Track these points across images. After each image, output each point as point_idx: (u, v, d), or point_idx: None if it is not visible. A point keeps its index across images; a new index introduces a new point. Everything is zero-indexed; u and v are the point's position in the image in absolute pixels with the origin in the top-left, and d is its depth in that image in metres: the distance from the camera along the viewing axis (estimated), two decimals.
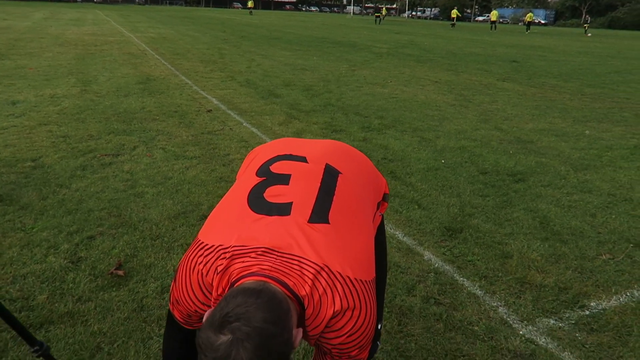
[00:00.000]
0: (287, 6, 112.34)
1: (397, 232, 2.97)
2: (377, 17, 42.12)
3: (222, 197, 1.28)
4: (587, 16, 50.61)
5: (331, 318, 1.02)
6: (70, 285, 2.28)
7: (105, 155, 4.12)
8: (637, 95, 8.27)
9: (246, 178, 1.28)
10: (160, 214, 3.06)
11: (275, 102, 6.55)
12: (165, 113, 5.69)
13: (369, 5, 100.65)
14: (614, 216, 3.31)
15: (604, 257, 2.76)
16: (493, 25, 37.86)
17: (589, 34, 36.40)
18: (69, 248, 2.60)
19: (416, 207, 3.33)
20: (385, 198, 1.47)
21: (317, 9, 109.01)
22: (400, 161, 4.29)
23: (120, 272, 2.37)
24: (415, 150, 4.61)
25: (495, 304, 2.30)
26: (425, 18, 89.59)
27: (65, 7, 49.09)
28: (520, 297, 2.35)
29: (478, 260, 2.67)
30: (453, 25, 41.02)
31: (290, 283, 1.00)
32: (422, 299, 2.30)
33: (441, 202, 3.42)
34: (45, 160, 3.92)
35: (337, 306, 1.02)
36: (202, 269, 1.06)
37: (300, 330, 0.98)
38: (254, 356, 0.83)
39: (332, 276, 1.03)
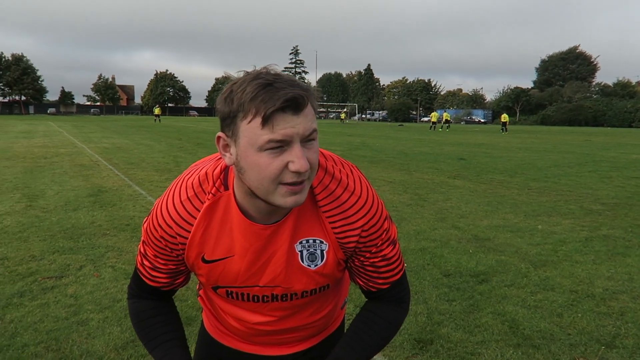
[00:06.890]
0: None
1: None
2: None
3: None
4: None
5: (336, 187, 1.04)
6: None
7: (47, 278, 3.82)
8: (579, 188, 8.75)
9: None
10: (105, 345, 2.76)
11: None
12: (117, 227, 5.46)
13: (321, 109, 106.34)
14: (580, 315, 3.27)
15: None
16: (433, 126, 41.03)
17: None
18: None
19: None
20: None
21: None
22: None
23: None
24: None
25: None
26: (375, 120, 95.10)
27: (16, 119, 49.09)
28: None
29: None
30: (434, 127, 41.05)
31: None
32: None
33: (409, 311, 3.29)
34: None
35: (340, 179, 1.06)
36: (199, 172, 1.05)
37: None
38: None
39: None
